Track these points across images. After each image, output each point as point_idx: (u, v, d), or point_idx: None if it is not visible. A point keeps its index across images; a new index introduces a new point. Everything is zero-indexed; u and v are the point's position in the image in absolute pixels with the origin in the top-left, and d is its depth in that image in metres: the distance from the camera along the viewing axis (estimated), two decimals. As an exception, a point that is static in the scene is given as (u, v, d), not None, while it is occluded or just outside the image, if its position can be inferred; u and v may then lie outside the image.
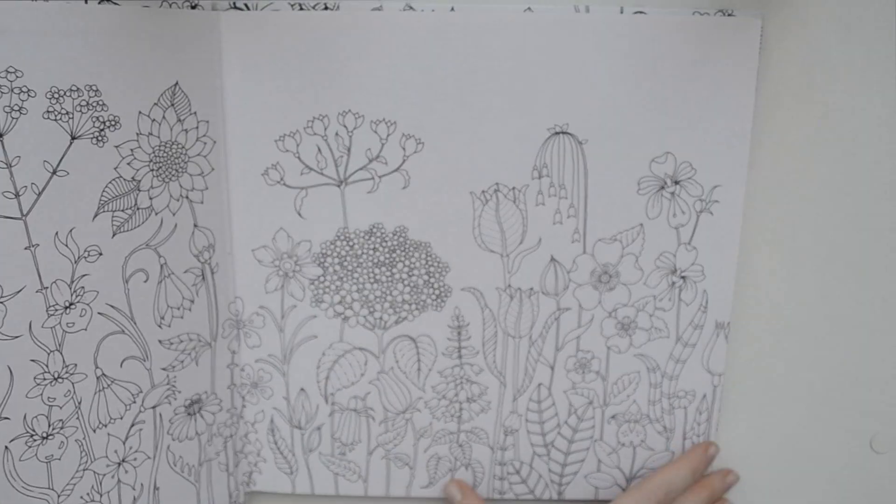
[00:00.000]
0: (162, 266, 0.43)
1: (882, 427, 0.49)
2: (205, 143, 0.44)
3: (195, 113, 0.43)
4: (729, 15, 0.42)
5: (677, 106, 0.44)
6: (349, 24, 0.43)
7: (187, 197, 0.44)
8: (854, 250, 0.47)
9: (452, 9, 0.43)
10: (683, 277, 0.47)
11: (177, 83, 0.42)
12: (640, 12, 0.43)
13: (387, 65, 0.44)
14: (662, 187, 0.45)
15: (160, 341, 0.44)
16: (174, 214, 0.43)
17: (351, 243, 0.47)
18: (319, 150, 0.45)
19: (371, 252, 0.47)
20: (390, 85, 0.44)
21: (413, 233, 0.47)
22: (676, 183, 0.45)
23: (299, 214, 0.46)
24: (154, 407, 0.45)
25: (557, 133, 0.45)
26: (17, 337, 0.38)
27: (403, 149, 0.45)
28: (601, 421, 0.50)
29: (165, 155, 0.42)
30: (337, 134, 0.45)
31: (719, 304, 0.47)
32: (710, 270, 0.47)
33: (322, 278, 0.47)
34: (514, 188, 0.46)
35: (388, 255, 0.47)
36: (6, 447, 0.38)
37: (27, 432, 0.39)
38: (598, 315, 0.48)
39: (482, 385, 0.50)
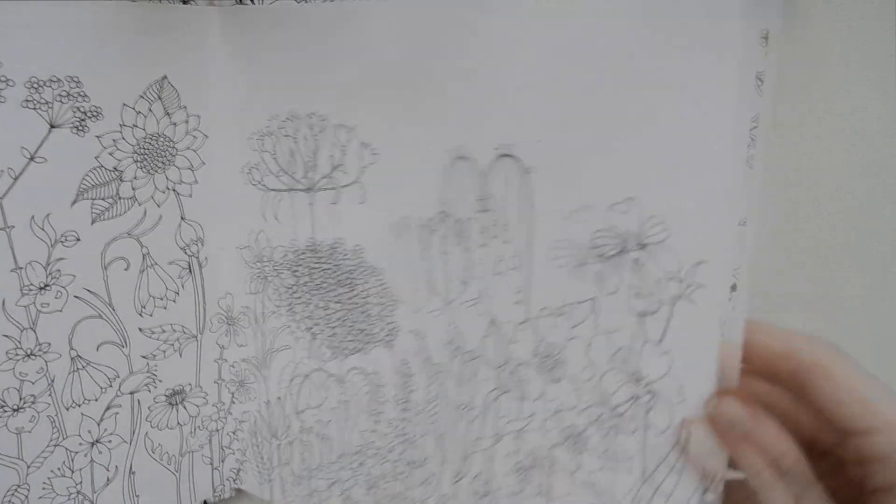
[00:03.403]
0: (144, 256, 0.47)
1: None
2: (195, 137, 0.47)
3: (185, 107, 0.47)
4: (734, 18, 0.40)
5: (646, 135, 0.33)
6: (318, 18, 0.42)
7: (174, 189, 0.47)
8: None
9: None
10: (651, 392, 0.34)
11: (165, 77, 0.45)
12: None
13: (345, 62, 0.42)
14: (622, 251, 0.34)
15: (140, 329, 0.48)
16: (159, 206, 0.47)
17: (318, 256, 0.47)
18: (292, 152, 0.46)
19: (335, 269, 0.46)
20: (348, 86, 0.42)
21: (369, 255, 0.44)
22: (642, 247, 0.33)
23: (276, 218, 0.48)
24: (132, 393, 0.48)
25: (502, 155, 0.37)
26: (-11, 312, 0.42)
27: (361, 158, 0.43)
28: None
29: (151, 147, 0.46)
30: (305, 137, 0.46)
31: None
32: (691, 391, 0.33)
33: (295, 288, 0.49)
34: (458, 220, 0.39)
35: (347, 276, 0.46)
36: (-24, 415, 0.43)
37: (-3, 403, 0.44)
38: (541, 412, 0.38)
39: (425, 452, 0.45)
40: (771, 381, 0.31)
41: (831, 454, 0.30)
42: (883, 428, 0.26)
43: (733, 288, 0.43)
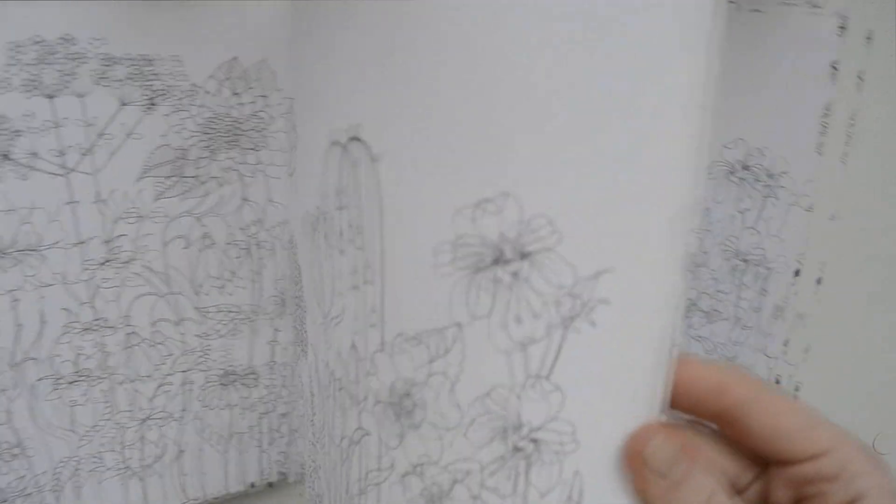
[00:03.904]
0: (204, 235, 0.47)
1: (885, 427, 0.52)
2: (261, 119, 0.47)
3: (252, 88, 0.46)
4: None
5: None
6: None
7: (237, 170, 0.47)
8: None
9: None
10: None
11: (235, 58, 0.45)
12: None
13: None
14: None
15: (196, 308, 0.48)
16: (221, 186, 0.47)
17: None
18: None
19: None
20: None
21: (299, 251, 0.40)
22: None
23: None
24: (185, 371, 0.49)
25: (352, 139, 0.35)
26: (50, 285, 0.43)
27: (290, 140, 0.40)
28: None
29: (217, 128, 0.46)
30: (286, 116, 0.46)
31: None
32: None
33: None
34: (327, 218, 0.35)
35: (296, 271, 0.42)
36: (33, 385, 0.44)
37: (54, 375, 0.44)
38: (401, 463, 0.35)
39: (322, 487, 0.40)
40: (694, 419, 0.29)
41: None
42: (829, 449, 0.27)
43: (797, 273, 0.49)
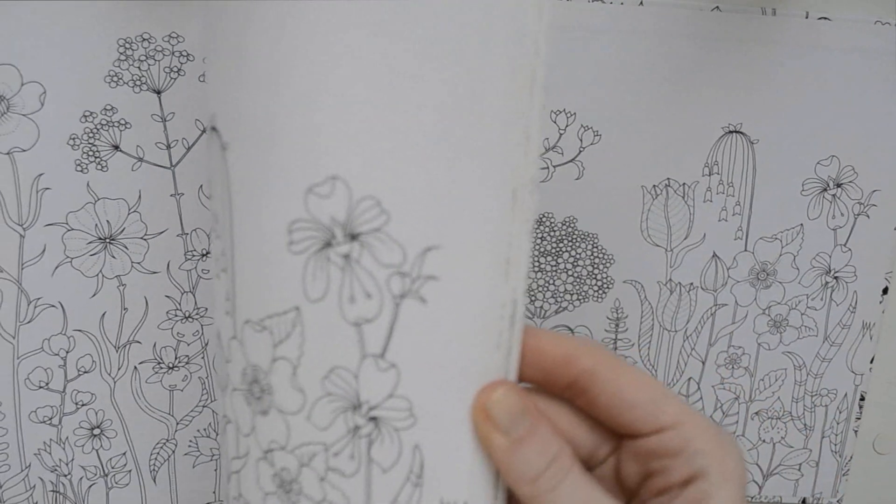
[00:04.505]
0: (301, 232, 0.48)
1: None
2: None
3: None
4: None
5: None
6: None
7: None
8: None
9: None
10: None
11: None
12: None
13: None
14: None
15: (292, 304, 0.49)
16: (320, 185, 0.48)
17: None
18: None
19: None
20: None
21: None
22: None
23: None
24: (279, 365, 0.50)
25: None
26: (155, 272, 0.46)
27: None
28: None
29: (316, 127, 0.47)
30: None
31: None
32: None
33: None
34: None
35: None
36: (135, 367, 0.46)
37: (155, 359, 0.47)
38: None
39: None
40: (545, 391, 0.29)
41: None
42: (674, 424, 0.27)
43: (885, 291, 0.51)
